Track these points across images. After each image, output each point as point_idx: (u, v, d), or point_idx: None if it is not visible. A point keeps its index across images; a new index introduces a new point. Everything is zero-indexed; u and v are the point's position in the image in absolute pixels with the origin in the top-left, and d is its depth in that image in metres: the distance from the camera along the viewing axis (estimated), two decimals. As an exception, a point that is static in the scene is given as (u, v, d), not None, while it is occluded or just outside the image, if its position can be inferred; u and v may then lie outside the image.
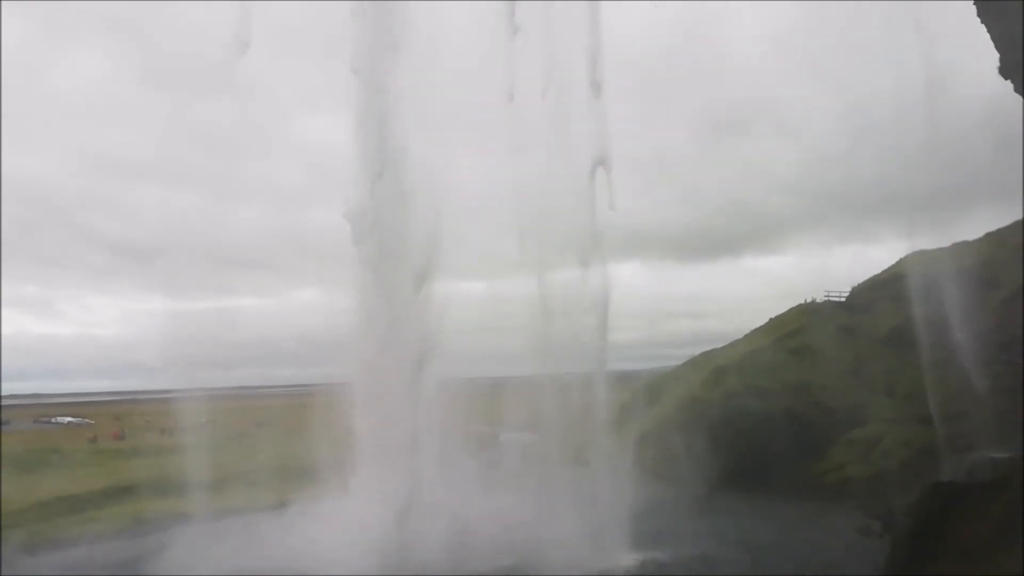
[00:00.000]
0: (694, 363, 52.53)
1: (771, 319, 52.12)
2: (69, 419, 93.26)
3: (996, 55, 27.18)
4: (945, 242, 38.47)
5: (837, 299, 50.96)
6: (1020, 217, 38.78)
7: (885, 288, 47.22)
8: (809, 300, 51.59)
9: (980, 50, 27.17)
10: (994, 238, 43.30)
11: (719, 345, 53.52)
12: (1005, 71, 26.76)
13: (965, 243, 41.24)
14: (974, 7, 26.86)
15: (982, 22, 26.67)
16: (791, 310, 51.44)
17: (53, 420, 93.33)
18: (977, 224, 39.45)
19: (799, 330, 47.34)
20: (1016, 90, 25.93)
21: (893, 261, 51.05)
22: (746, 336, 51.98)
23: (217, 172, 28.64)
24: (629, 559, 24.99)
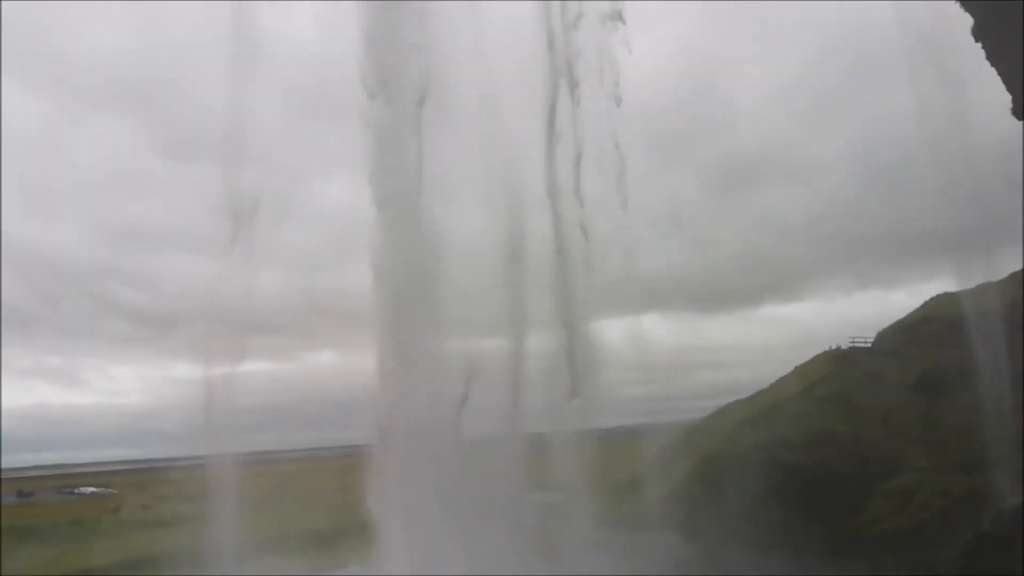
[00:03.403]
0: (720, 415, 51.63)
1: (796, 367, 51.28)
2: (92, 489, 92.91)
3: (1006, 96, 27.26)
4: (969, 284, 37.86)
5: (863, 345, 50.19)
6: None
7: (912, 332, 46.52)
8: (834, 347, 50.78)
9: (992, 91, 27.25)
10: (1019, 278, 42.65)
11: (744, 396, 52.64)
12: (1018, 112, 26.81)
13: (990, 284, 40.63)
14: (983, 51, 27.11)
15: (992, 65, 26.85)
16: (816, 358, 50.63)
17: (76, 491, 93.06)
18: (1001, 265, 38.82)
19: (826, 378, 46.50)
20: (1031, 131, 25.90)
21: (917, 305, 50.45)
22: (772, 386, 51.11)
23: (235, 238, 29.01)
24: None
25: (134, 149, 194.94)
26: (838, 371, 46.52)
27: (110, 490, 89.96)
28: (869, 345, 49.89)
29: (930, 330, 44.11)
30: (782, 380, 50.81)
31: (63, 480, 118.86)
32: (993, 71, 26.82)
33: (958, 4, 27.76)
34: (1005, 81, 26.61)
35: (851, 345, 50.47)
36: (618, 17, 33.94)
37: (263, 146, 29.89)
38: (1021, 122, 26.73)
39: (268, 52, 29.10)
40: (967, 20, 27.43)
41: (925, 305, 48.89)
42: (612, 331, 37.94)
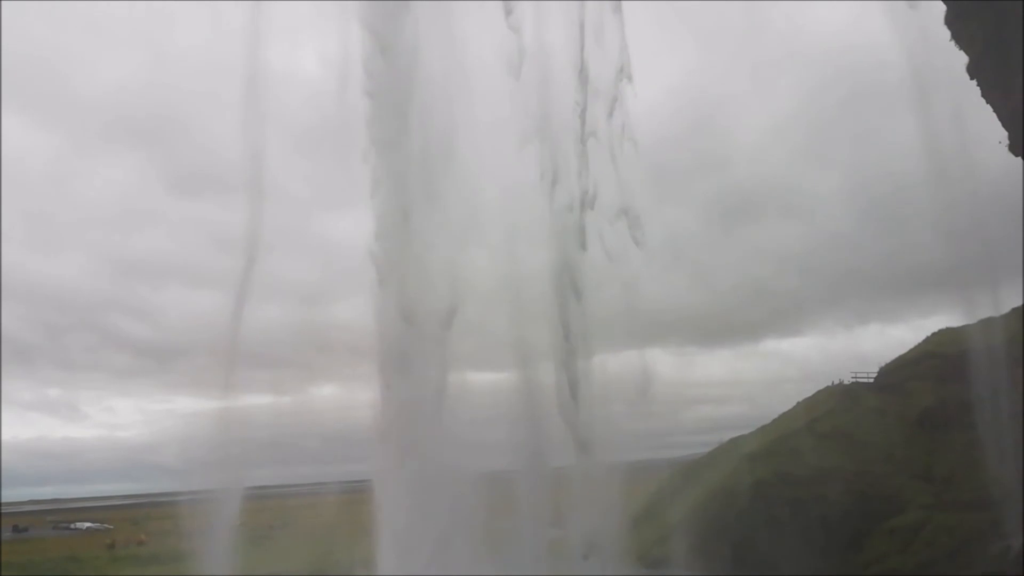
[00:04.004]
0: (722, 450, 51.25)
1: (798, 403, 51.02)
2: (88, 524, 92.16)
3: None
4: (971, 319, 37.84)
5: (865, 380, 49.96)
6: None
7: (914, 368, 46.29)
8: (836, 382, 50.60)
9: (993, 123, 27.54)
10: (1020, 313, 42.63)
11: (746, 431, 52.32)
12: (1014, 148, 27.12)
13: (992, 319, 40.70)
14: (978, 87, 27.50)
15: (988, 102, 27.23)
16: (818, 393, 50.41)
17: (72, 526, 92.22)
18: (1003, 300, 38.82)
19: (828, 413, 46.23)
20: (1027, 166, 26.18)
21: (917, 340, 50.23)
22: (774, 421, 50.84)
23: (238, 273, 29.15)
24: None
25: (139, 184, 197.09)
26: (841, 406, 46.27)
27: (106, 525, 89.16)
28: (871, 380, 49.66)
29: (933, 365, 43.90)
30: (784, 416, 50.57)
31: (59, 515, 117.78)
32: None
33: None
34: (1001, 118, 26.98)
35: (853, 380, 50.25)
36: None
37: (266, 181, 30.13)
38: (1018, 158, 27.04)
39: (274, 89, 29.52)
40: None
41: (927, 340, 48.73)
42: (613, 365, 37.88)
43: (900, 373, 47.63)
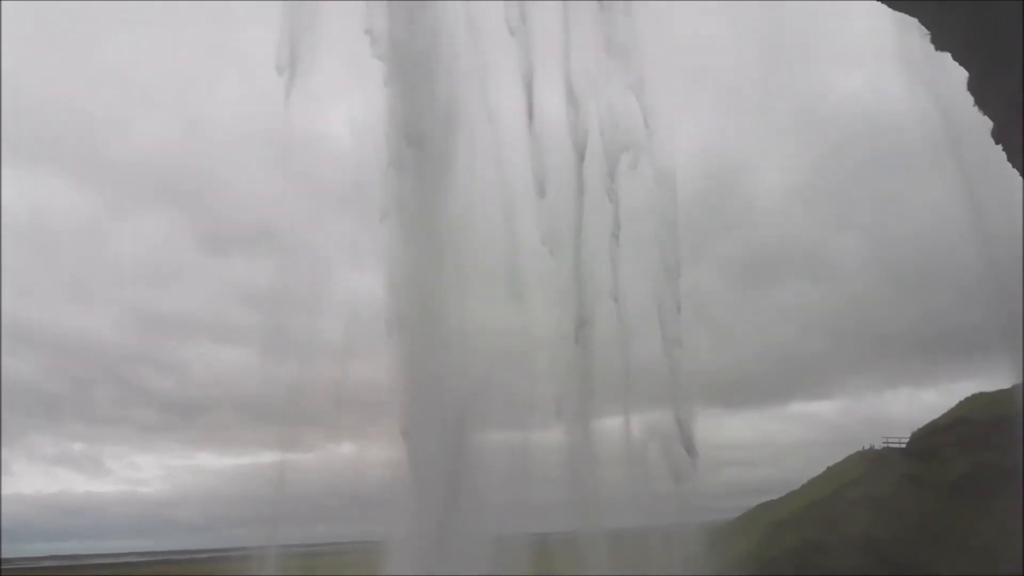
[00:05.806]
0: (750, 516, 49.92)
1: (828, 468, 49.79)
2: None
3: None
4: (1005, 384, 36.96)
5: (897, 445, 48.69)
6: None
7: (948, 433, 45.10)
8: (867, 447, 49.37)
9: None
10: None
11: (774, 495, 51.02)
12: (1043, 213, 26.82)
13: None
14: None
15: (1013, 166, 27.11)
16: (849, 458, 49.20)
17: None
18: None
19: (859, 480, 44.99)
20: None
21: (948, 404, 49.06)
22: (803, 487, 49.57)
23: (262, 329, 29.52)
24: None
25: (170, 241, 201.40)
26: (872, 472, 45.06)
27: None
28: (903, 446, 48.38)
29: (967, 431, 42.83)
30: (814, 481, 49.33)
31: (76, 571, 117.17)
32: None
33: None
34: (1028, 181, 26.78)
35: (885, 445, 49.02)
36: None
37: (292, 239, 30.72)
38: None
39: (301, 149, 30.30)
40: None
41: (960, 405, 47.60)
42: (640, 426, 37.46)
43: (933, 439, 46.39)
